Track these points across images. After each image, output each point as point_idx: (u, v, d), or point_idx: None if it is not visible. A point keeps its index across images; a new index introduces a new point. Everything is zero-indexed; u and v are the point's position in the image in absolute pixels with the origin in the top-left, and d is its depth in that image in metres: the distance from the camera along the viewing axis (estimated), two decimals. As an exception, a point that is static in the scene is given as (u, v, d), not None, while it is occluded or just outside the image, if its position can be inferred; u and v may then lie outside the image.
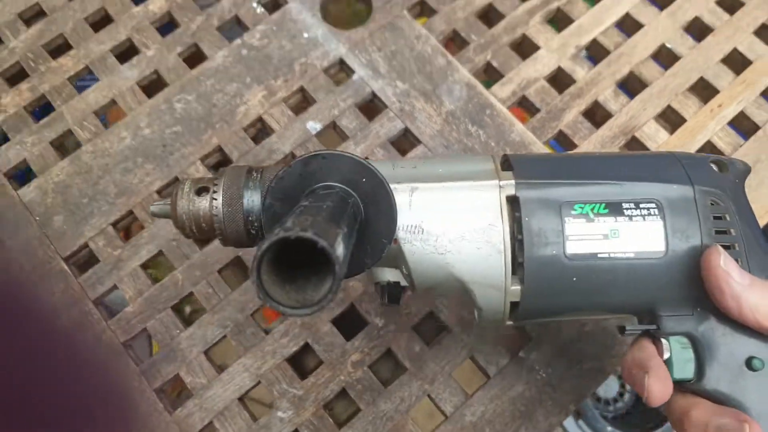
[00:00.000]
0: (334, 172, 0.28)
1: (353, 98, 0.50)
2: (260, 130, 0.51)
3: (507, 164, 0.31)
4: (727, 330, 0.29)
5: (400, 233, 0.29)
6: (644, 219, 0.28)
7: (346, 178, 0.27)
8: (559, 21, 0.54)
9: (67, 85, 0.51)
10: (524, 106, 0.52)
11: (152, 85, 0.52)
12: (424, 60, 0.51)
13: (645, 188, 0.29)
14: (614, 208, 0.28)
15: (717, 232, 0.29)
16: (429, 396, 0.42)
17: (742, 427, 0.27)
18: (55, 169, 0.48)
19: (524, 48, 0.53)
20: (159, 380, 0.42)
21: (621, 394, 0.85)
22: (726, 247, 0.28)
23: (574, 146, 0.49)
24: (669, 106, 0.50)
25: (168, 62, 0.52)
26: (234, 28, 0.54)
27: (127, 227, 0.49)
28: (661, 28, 0.52)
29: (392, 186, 0.29)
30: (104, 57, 0.52)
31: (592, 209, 0.28)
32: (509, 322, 0.31)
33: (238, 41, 0.52)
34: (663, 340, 0.30)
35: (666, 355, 0.29)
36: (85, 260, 0.46)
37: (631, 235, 0.28)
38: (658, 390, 0.29)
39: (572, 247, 0.28)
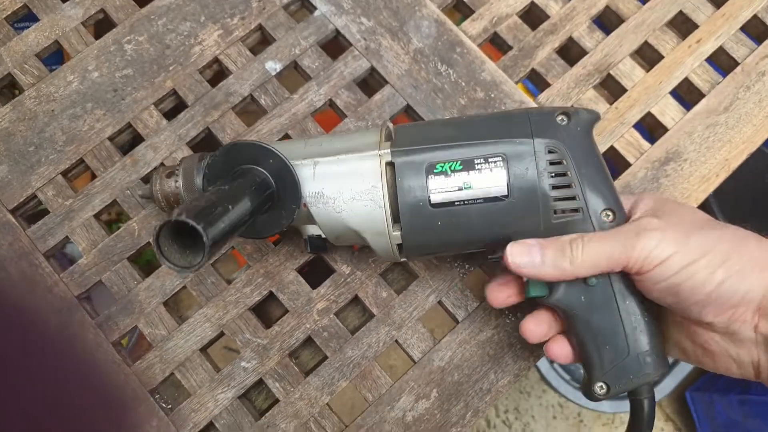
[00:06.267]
0: (247, 156, 0.36)
1: (315, 36, 0.47)
2: (217, 72, 0.48)
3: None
4: None
5: (308, 198, 0.36)
6: (491, 171, 0.35)
7: (258, 161, 0.36)
8: (533, -48, 0.51)
9: (5, 25, 0.47)
10: (496, 44, 0.50)
11: (100, 26, 0.49)
12: (390, -5, 0.48)
13: (494, 145, 0.35)
14: (467, 164, 0.35)
15: (554, 175, 0.35)
16: (397, 342, 0.42)
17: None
18: (-2, 115, 0.45)
19: (496, -19, 0.50)
20: (116, 333, 0.41)
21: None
22: (564, 187, 0.35)
23: (548, 85, 0.47)
24: (646, 42, 0.48)
25: (115, 0, 0.48)
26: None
27: (78, 177, 0.46)
28: (639, -41, 0.50)
29: (301, 161, 0.36)
30: (45, -6, 0.48)
31: (450, 167, 0.35)
32: (403, 259, 0.39)
33: (190, -24, 0.49)
34: None
35: (525, 278, 0.37)
36: (33, 212, 0.44)
37: (481, 184, 0.35)
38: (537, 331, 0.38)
39: (435, 198, 0.35)
